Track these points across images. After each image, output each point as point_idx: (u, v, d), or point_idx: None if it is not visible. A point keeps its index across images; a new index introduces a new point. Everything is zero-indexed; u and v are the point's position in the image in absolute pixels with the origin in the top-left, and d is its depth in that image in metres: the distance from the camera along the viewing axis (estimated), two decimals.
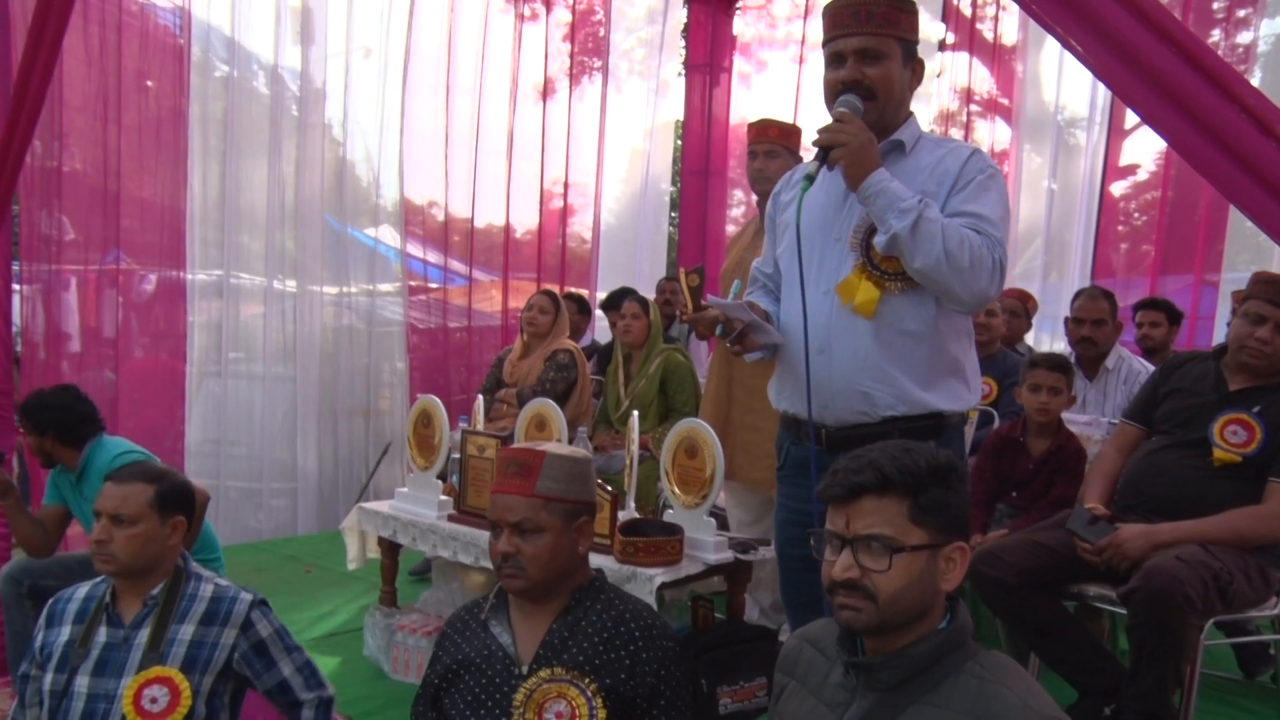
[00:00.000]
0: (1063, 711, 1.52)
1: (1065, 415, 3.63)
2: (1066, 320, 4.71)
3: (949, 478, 1.56)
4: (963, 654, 1.55)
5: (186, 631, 2.25)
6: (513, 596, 2.03)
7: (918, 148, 2.29)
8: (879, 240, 2.16)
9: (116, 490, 2.29)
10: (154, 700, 2.16)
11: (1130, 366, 4.32)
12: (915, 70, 2.30)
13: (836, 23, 2.24)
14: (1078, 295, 4.54)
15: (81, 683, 2.20)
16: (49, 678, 2.22)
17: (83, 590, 2.36)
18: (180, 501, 2.36)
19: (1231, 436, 2.88)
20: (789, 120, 4.55)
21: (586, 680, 1.89)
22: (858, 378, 2.21)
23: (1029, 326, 5.45)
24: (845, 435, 2.23)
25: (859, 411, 2.23)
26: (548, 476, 1.97)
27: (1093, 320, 4.32)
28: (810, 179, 2.17)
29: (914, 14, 2.27)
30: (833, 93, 2.24)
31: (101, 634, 2.25)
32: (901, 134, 2.28)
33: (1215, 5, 5.63)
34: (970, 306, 2.21)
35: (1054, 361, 3.56)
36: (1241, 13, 5.52)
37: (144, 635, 2.24)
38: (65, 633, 2.27)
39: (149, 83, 5.29)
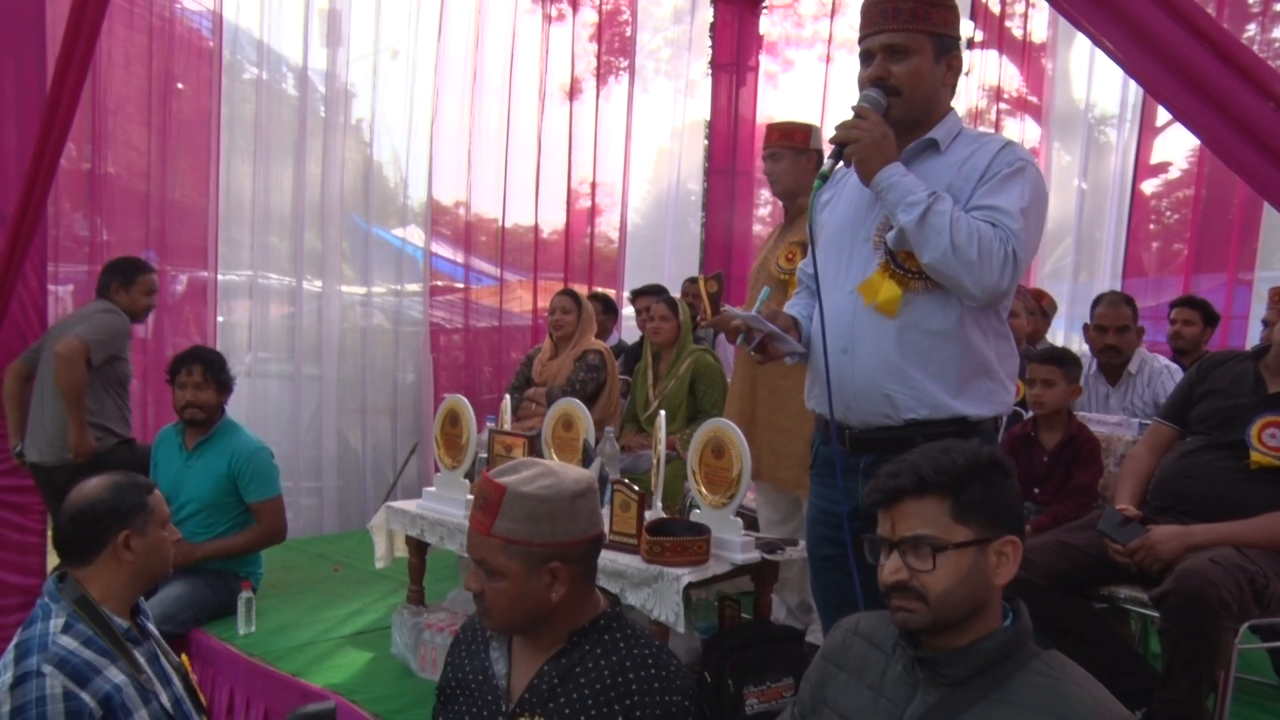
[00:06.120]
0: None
1: (1094, 416, 3.59)
2: (1086, 327, 4.53)
3: (992, 473, 1.57)
4: (1026, 653, 1.58)
5: None
6: None
7: (954, 145, 2.24)
8: (889, 236, 2.16)
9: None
10: None
11: (1152, 367, 4.22)
12: (951, 65, 2.25)
13: (867, 21, 2.23)
14: (1098, 301, 4.35)
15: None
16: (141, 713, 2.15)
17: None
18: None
19: (1270, 439, 2.82)
20: (812, 120, 4.52)
21: None
22: (880, 379, 2.17)
23: (1048, 325, 5.39)
24: (869, 438, 2.21)
25: (882, 414, 2.19)
26: (507, 516, 1.73)
27: (1117, 328, 4.19)
28: (824, 177, 2.15)
29: (947, 7, 2.22)
30: (861, 90, 2.23)
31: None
32: (936, 132, 2.23)
33: (1250, 0, 5.56)
34: (981, 300, 2.12)
35: (1046, 354, 3.53)
36: (1278, 7, 5.45)
37: None
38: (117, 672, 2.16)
39: (180, 85, 5.35)
